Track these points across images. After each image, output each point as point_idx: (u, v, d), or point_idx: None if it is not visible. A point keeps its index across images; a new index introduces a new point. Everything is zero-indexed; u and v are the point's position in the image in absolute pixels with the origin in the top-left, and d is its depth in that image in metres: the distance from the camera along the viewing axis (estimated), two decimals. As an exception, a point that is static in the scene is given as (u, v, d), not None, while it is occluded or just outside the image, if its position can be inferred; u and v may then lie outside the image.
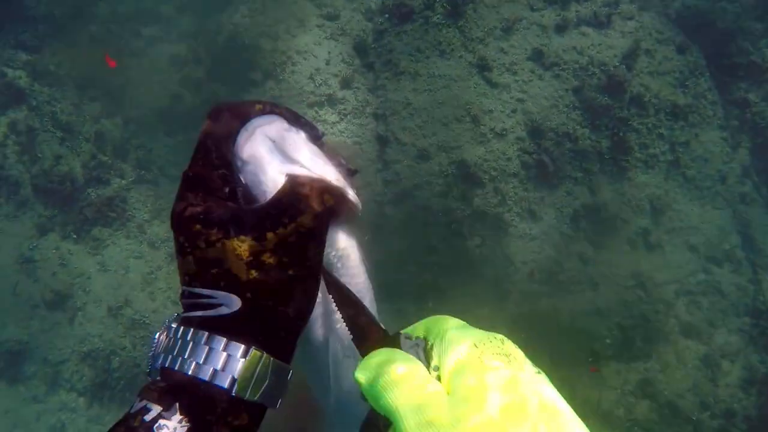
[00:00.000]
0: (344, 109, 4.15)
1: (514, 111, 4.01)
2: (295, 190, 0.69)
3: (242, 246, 0.65)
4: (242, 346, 0.64)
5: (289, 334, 0.69)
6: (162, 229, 4.26)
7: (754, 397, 4.18)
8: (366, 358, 0.61)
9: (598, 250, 4.15)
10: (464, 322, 0.64)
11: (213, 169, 0.70)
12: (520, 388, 0.52)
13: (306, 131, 0.77)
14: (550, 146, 3.96)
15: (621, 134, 4.04)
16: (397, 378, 0.55)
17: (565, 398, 0.55)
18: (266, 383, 0.65)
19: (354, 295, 0.73)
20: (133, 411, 0.62)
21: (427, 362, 0.59)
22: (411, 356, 0.59)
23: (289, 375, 0.69)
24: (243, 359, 0.64)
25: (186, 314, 0.67)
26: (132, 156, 4.49)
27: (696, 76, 4.22)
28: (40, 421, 4.29)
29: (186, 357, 0.64)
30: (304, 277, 0.68)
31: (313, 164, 0.72)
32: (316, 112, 4.17)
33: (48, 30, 4.73)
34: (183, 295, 0.68)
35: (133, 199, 4.32)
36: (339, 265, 0.79)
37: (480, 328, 0.62)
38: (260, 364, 0.65)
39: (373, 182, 4.10)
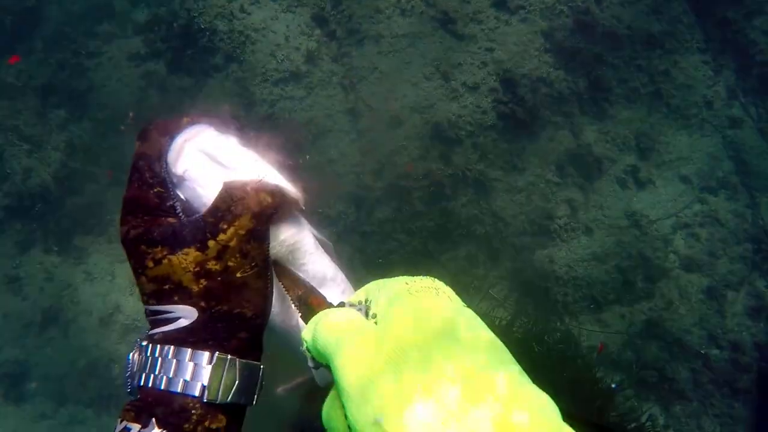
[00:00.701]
0: (310, 83, 4.02)
1: (484, 62, 3.86)
2: (230, 194, 0.70)
3: (187, 258, 0.67)
4: (207, 353, 0.67)
5: (251, 334, 0.71)
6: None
7: (764, 323, 4.09)
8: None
9: (588, 194, 4.04)
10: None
11: (149, 189, 0.71)
12: (441, 312, 0.54)
13: (236, 135, 0.77)
14: (525, 93, 3.82)
15: (597, 72, 3.89)
16: (328, 320, 0.57)
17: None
18: (236, 383, 0.68)
19: (302, 279, 0.76)
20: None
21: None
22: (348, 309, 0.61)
23: (260, 371, 0.71)
24: (209, 365, 0.67)
25: (151, 332, 0.70)
26: (104, 159, 4.38)
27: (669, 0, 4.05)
28: (50, 436, 4.28)
29: (157, 373, 0.67)
30: (252, 277, 0.70)
31: (247, 166, 0.73)
32: (282, 89, 4.04)
33: (1, 41, 4.60)
34: (146, 314, 0.70)
35: (111, 202, 4.23)
36: (290, 257, 0.78)
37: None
38: (226, 367, 0.67)
39: (350, 153, 3.99)
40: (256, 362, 0.72)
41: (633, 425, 3.94)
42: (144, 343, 0.70)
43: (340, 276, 0.85)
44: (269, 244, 0.73)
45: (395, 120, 3.86)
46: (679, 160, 4.20)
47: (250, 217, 0.70)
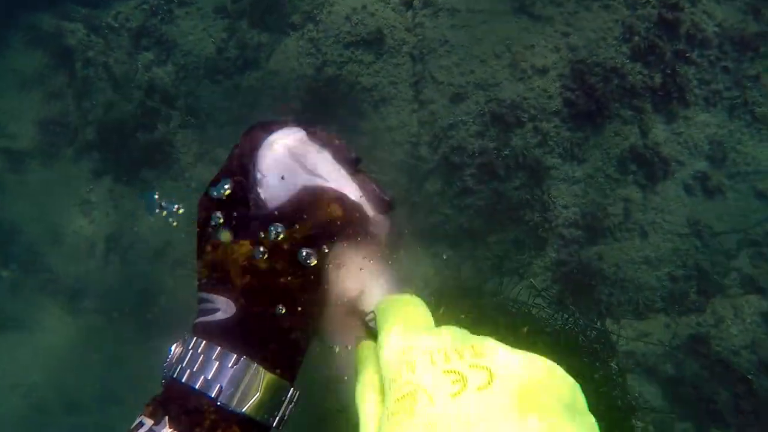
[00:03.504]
0: (380, 49, 4.06)
1: (557, 46, 3.77)
2: (300, 198, 0.69)
3: (241, 250, 0.66)
4: (234, 356, 0.64)
5: (285, 348, 0.67)
6: (204, 172, 4.39)
7: (825, 358, 3.80)
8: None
9: (649, 195, 3.87)
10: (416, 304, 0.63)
11: (231, 175, 0.71)
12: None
13: (332, 152, 0.75)
14: (596, 83, 3.70)
15: (677, 69, 3.71)
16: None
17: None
18: (257, 396, 0.64)
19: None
20: (132, 427, 0.64)
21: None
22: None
23: (289, 393, 0.67)
24: (232, 368, 0.63)
25: (195, 321, 0.68)
26: (180, 102, 4.63)
27: (770, 1, 3.78)
28: (101, 352, 4.59)
29: (184, 365, 0.65)
30: (296, 287, 0.66)
31: (333, 178, 0.72)
32: (352, 53, 4.11)
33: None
34: (197, 300, 0.69)
35: (179, 142, 4.47)
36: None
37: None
38: (249, 375, 0.64)
39: (409, 123, 4.01)
40: (285, 382, 0.67)
41: (663, 441, 3.78)
42: (186, 335, 0.69)
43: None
44: (324, 258, 0.69)
45: (458, 95, 3.84)
46: (756, 173, 3.94)
47: (312, 224, 0.67)
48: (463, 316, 3.62)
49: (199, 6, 4.80)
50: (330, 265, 0.71)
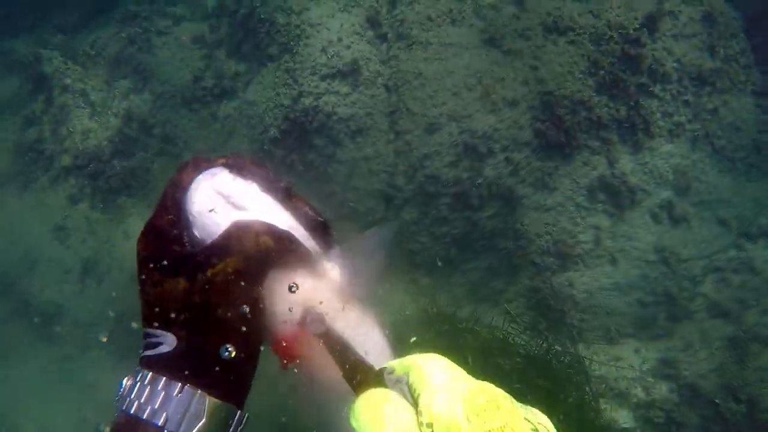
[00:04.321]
0: (355, 81, 4.15)
1: (526, 80, 3.90)
2: (230, 233, 0.72)
3: (177, 287, 0.69)
4: (178, 384, 0.67)
5: (230, 374, 0.70)
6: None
7: (789, 381, 3.91)
8: (357, 403, 0.63)
9: (617, 223, 3.99)
10: (443, 363, 0.63)
11: (165, 214, 0.75)
12: None
13: (260, 182, 0.79)
14: (564, 114, 3.83)
15: (641, 102, 3.86)
16: (377, 414, 0.58)
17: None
18: (202, 422, 0.67)
19: (341, 338, 0.76)
20: None
21: (412, 398, 0.61)
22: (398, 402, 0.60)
23: (236, 417, 0.70)
24: (176, 397, 0.67)
25: (142, 354, 0.72)
26: (157, 130, 4.66)
27: (727, 38, 3.97)
28: (73, 378, 4.55)
29: (133, 397, 0.68)
30: (235, 318, 0.69)
31: (263, 211, 0.76)
32: (329, 84, 4.19)
33: (83, 13, 4.97)
34: (142, 335, 0.72)
35: (156, 170, 4.49)
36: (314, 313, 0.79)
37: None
38: (194, 402, 0.67)
39: (385, 152, 4.09)
40: (233, 405, 0.70)
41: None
42: (137, 367, 0.72)
43: (376, 334, 0.85)
44: (262, 288, 0.72)
45: (432, 125, 3.94)
46: (719, 201, 4.09)
47: (243, 257, 0.70)
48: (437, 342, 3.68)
49: (176, 35, 4.86)
50: (271, 293, 0.75)
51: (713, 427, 3.84)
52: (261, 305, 0.73)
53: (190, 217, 0.75)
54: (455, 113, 3.92)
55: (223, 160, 0.79)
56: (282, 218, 0.76)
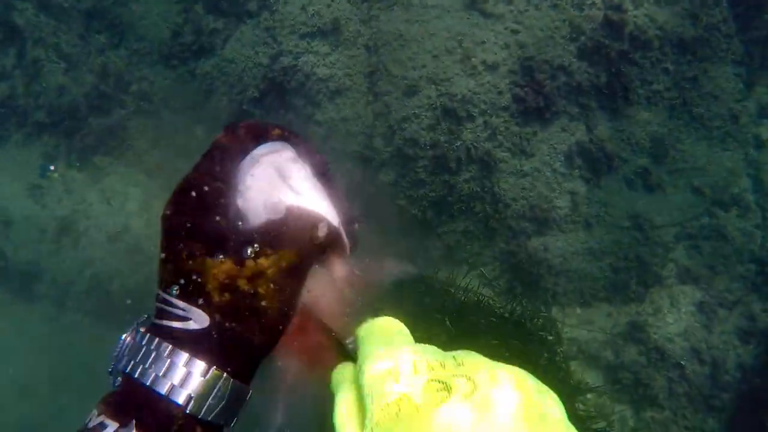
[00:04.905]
0: (336, 41, 4.09)
1: (507, 43, 3.86)
2: (286, 221, 0.67)
3: (221, 267, 0.65)
4: (203, 364, 0.64)
5: (250, 359, 0.69)
6: (159, 158, 4.36)
7: (753, 346, 4.04)
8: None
9: (593, 190, 4.03)
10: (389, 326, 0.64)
11: (212, 180, 0.68)
12: None
13: (311, 166, 0.74)
14: (543, 80, 3.81)
15: (621, 68, 3.85)
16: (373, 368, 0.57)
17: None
18: (223, 403, 0.66)
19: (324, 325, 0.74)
20: (90, 426, 0.62)
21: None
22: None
23: (248, 396, 0.70)
24: (202, 378, 0.64)
25: (156, 321, 0.67)
26: (134, 87, 4.57)
27: (709, 6, 3.94)
28: (51, 337, 4.57)
29: (147, 366, 0.64)
30: (275, 310, 0.67)
31: (313, 199, 0.71)
32: (308, 43, 4.13)
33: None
34: (156, 299, 0.67)
35: (133, 129, 4.43)
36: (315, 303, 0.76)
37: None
38: (219, 385, 0.65)
39: (363, 114, 4.07)
40: (246, 386, 0.69)
41: (601, 424, 3.97)
42: (142, 330, 0.67)
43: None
44: (303, 284, 0.70)
45: (411, 88, 3.91)
46: (693, 170, 4.13)
47: (297, 251, 0.67)
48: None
49: (154, -10, 4.73)
50: (306, 290, 0.71)
51: (678, 388, 3.97)
52: (299, 302, 0.70)
53: (241, 189, 0.68)
54: (435, 76, 3.89)
55: (280, 132, 0.72)
56: (330, 210, 0.72)
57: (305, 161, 0.73)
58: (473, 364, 0.52)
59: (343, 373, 0.64)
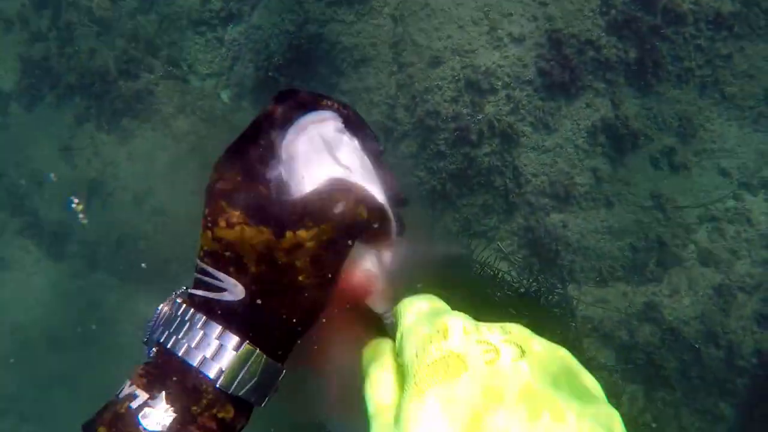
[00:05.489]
0: (362, 9, 4.08)
1: (534, 15, 3.80)
2: (329, 193, 0.64)
3: (260, 236, 0.62)
4: (236, 338, 0.63)
5: (287, 338, 0.67)
6: (185, 123, 4.44)
7: (772, 332, 3.98)
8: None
9: (616, 167, 3.97)
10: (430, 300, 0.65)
11: (256, 148, 0.67)
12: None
13: (361, 140, 0.71)
14: (570, 54, 3.75)
15: (652, 44, 3.75)
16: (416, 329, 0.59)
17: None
18: (254, 380, 0.64)
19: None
20: (121, 396, 0.62)
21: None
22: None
23: (281, 376, 0.68)
24: (235, 352, 0.63)
25: (192, 290, 0.66)
26: (163, 53, 4.64)
27: (748, -20, 3.80)
28: (80, 295, 4.75)
29: (180, 337, 0.64)
30: (313, 287, 0.64)
31: (359, 173, 0.68)
32: (334, 11, 4.12)
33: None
34: (195, 269, 0.67)
35: (161, 93, 4.51)
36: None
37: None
38: (251, 361, 0.64)
39: (387, 84, 4.07)
40: (280, 365, 0.67)
41: (612, 401, 3.99)
42: (179, 300, 0.67)
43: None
44: (343, 260, 0.67)
45: (435, 59, 3.89)
46: (722, 151, 4.04)
47: (339, 225, 0.64)
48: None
49: (185, -45, 4.76)
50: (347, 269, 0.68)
51: (691, 371, 3.95)
52: (339, 278, 0.67)
53: (284, 156, 0.67)
54: (459, 47, 3.85)
55: (330, 103, 0.70)
56: (377, 188, 0.68)
57: (354, 134, 0.71)
58: (521, 333, 0.53)
59: (377, 349, 0.64)
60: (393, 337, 0.63)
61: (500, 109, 3.84)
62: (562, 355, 0.53)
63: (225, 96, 4.52)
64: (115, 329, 4.58)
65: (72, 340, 4.74)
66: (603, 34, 3.75)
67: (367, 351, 0.66)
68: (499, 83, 3.81)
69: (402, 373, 0.57)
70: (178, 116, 4.51)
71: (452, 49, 3.85)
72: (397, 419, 0.53)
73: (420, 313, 0.60)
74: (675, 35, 3.78)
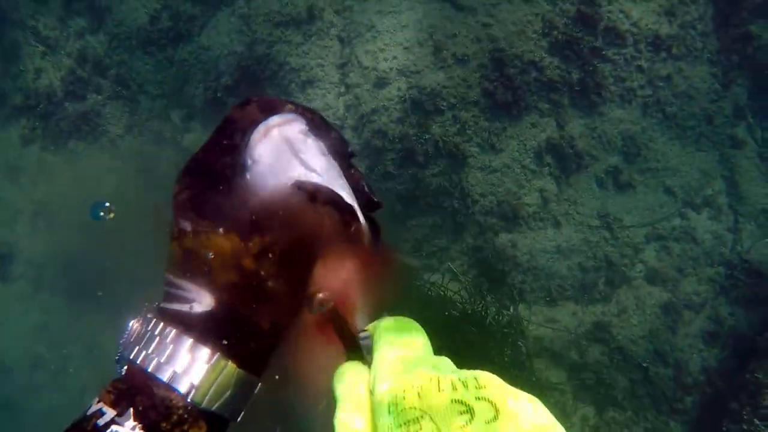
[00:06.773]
0: (309, 30, 4.08)
1: (478, 37, 3.83)
2: (295, 197, 0.63)
3: (226, 244, 0.61)
4: (208, 351, 0.61)
5: (260, 347, 0.64)
6: (133, 144, 4.39)
7: (718, 350, 4.01)
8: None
9: (563, 187, 4.00)
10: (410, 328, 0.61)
11: (220, 154, 0.65)
12: None
13: (328, 142, 0.70)
14: (514, 75, 3.78)
15: (594, 65, 3.80)
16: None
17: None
18: (228, 394, 0.62)
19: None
20: (88, 413, 0.60)
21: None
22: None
23: (256, 388, 0.66)
24: (206, 365, 0.60)
25: (163, 305, 0.64)
26: (111, 73, 4.59)
27: (686, 3, 3.88)
28: (27, 316, 4.64)
29: (150, 352, 0.61)
30: (283, 293, 0.63)
31: (326, 176, 0.66)
32: (282, 33, 4.12)
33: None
34: (164, 282, 0.65)
35: (108, 114, 4.45)
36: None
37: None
38: (223, 373, 0.61)
39: (334, 105, 4.06)
40: (255, 377, 0.65)
41: (564, 421, 3.97)
42: (149, 315, 0.65)
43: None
44: (313, 264, 0.65)
45: (382, 80, 3.89)
46: (666, 170, 4.09)
47: (306, 231, 0.63)
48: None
49: (134, -26, 4.73)
50: (316, 271, 0.66)
51: (640, 389, 3.95)
52: (307, 286, 0.65)
53: (249, 162, 0.65)
54: (405, 68, 3.86)
55: (293, 106, 0.69)
56: (345, 190, 0.67)
57: (319, 137, 0.69)
58: (495, 388, 0.50)
59: (349, 371, 0.61)
60: (367, 361, 0.61)
61: (447, 129, 3.85)
62: (539, 415, 0.50)
63: (175, 116, 4.48)
64: (61, 353, 4.47)
65: (18, 366, 4.62)
66: (546, 54, 3.79)
67: (339, 374, 0.62)
68: (445, 104, 3.82)
69: (374, 410, 0.54)
70: (125, 137, 4.46)
71: (398, 69, 3.86)
72: None
73: (398, 356, 0.56)
74: (616, 56, 3.83)
